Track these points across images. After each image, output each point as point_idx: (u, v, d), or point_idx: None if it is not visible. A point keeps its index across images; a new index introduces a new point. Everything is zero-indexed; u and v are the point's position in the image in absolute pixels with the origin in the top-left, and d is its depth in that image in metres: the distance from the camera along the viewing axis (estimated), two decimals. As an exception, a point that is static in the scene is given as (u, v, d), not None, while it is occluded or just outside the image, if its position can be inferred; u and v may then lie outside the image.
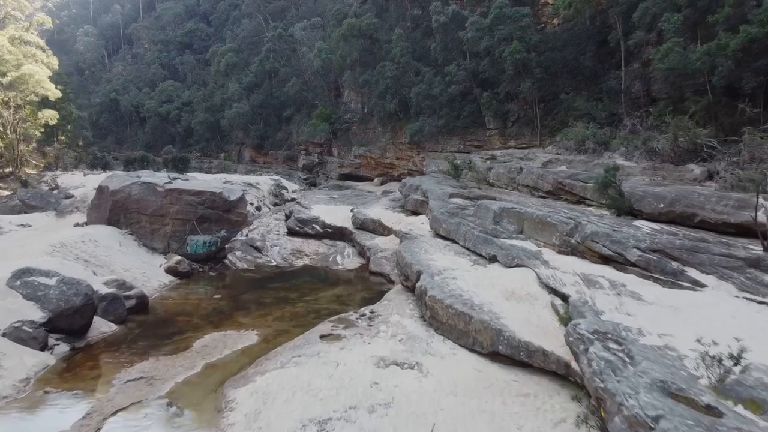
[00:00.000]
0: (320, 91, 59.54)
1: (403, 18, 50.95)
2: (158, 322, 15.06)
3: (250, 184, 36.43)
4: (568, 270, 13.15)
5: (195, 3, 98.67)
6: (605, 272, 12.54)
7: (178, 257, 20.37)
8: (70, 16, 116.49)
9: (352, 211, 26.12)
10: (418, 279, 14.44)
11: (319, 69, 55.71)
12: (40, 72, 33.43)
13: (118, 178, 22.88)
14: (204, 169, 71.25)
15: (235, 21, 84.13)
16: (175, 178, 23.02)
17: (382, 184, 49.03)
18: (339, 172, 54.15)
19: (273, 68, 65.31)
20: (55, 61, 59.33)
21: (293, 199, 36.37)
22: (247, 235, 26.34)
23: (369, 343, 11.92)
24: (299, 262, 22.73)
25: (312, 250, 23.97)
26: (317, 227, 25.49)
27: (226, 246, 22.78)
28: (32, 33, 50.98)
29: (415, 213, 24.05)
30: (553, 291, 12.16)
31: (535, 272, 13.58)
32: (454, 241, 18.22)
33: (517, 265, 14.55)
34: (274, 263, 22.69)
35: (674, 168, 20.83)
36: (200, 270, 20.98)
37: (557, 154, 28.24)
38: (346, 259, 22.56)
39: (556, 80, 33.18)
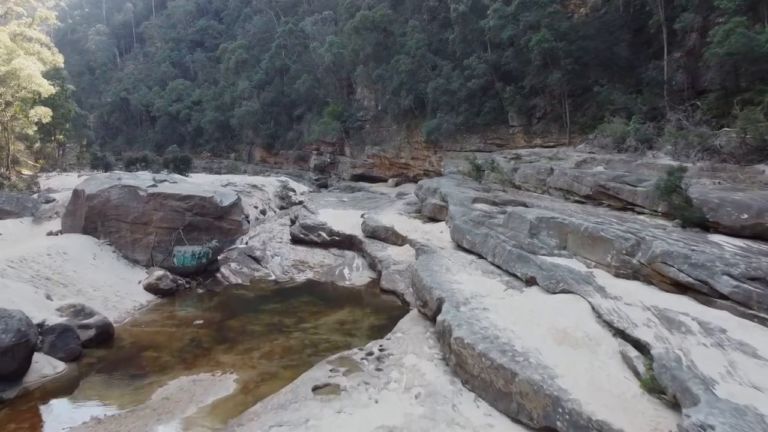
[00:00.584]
0: (332, 89, 56.88)
1: (419, 10, 48.00)
2: (120, 360, 12.21)
3: (254, 186, 33.81)
4: (634, 301, 10.13)
5: (206, 0, 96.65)
6: (687, 307, 9.49)
7: (161, 272, 17.43)
8: (83, 16, 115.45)
9: (362, 216, 23.25)
10: (439, 310, 11.50)
11: (330, 64, 53.01)
12: (32, 66, 31.18)
13: (96, 181, 20.23)
14: (213, 170, 69.19)
15: (247, 18, 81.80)
16: (162, 181, 20.29)
17: (396, 185, 46.19)
18: (351, 173, 51.41)
19: (284, 65, 62.81)
20: (60, 59, 57.54)
21: (301, 203, 33.63)
22: (246, 243, 23.66)
23: (376, 401, 9.03)
24: (301, 276, 19.83)
25: (317, 261, 21.15)
26: (324, 235, 22.69)
27: (219, 257, 20.04)
28: (35, 29, 48.80)
29: (433, 219, 21.08)
30: (621, 333, 9.14)
31: (589, 302, 10.58)
32: (480, 256, 15.28)
33: (563, 291, 11.56)
34: (273, 277, 19.80)
35: (739, 169, 17.61)
36: (186, 286, 18.03)
37: (591, 153, 25.15)
38: (355, 273, 19.68)
39: (587, 72, 29.98)
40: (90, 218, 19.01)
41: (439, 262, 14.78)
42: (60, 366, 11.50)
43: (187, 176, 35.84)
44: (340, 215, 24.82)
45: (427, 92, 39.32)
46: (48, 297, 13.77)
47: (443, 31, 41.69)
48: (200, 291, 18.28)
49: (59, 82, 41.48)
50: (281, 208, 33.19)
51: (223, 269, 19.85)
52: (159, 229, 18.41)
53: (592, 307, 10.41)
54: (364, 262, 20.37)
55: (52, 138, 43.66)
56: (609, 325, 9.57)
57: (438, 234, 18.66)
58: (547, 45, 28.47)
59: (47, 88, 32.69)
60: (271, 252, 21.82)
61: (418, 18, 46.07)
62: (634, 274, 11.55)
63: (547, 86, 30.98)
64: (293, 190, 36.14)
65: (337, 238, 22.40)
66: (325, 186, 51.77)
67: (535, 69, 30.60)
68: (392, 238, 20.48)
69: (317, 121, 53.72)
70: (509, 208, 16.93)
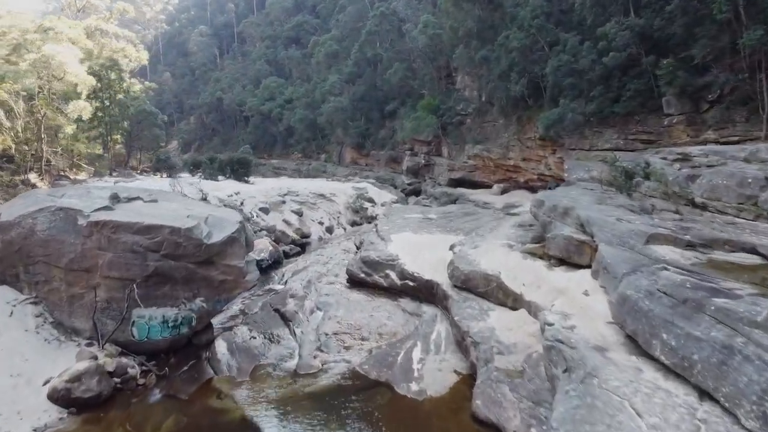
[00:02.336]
0: (428, 79, 49.34)
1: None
2: None
3: (321, 196, 27.28)
4: None
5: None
6: None
7: (83, 365, 10.27)
8: (189, 18, 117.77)
9: (452, 249, 15.48)
10: None
11: (425, 49, 45.43)
12: (65, 53, 27.01)
13: (23, 201, 13.43)
14: (302, 172, 64.55)
15: (342, 9, 76.59)
16: (131, 199, 13.20)
17: (502, 193, 37.77)
18: (448, 177, 43.50)
19: (375, 55, 56.27)
20: (144, 56, 55.36)
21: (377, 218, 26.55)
22: (286, 282, 16.89)
23: None
24: (341, 362, 12.04)
25: (375, 327, 13.31)
26: (393, 277, 15.28)
27: (212, 323, 13.24)
28: (113, 23, 46.14)
29: (566, 262, 12.84)
30: None
31: None
32: (709, 396, 6.88)
33: None
34: (294, 362, 12.10)
35: None
36: (139, 384, 10.97)
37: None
38: (430, 361, 11.51)
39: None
40: (6, 260, 12.55)
41: (605, 400, 6.68)
42: None
43: (247, 181, 30.16)
44: (420, 243, 17.19)
45: (544, 74, 30.62)
46: None
47: (566, -3, 32.69)
48: (156, 396, 10.78)
49: (116, 72, 37.84)
50: (353, 224, 26.31)
51: (218, 344, 12.53)
52: (107, 279, 11.66)
53: None
54: (449, 333, 12.46)
55: (109, 138, 40.07)
56: None
57: (580, 299, 10.36)
58: (737, -10, 19.00)
59: (85, 79, 28.42)
60: (313, 302, 14.65)
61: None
62: None
63: (726, 56, 21.39)
64: (371, 201, 29.14)
65: (411, 283, 14.81)
66: (417, 193, 44.39)
67: (715, 28, 21.04)
68: (498, 294, 12.48)
69: (410, 117, 46.40)
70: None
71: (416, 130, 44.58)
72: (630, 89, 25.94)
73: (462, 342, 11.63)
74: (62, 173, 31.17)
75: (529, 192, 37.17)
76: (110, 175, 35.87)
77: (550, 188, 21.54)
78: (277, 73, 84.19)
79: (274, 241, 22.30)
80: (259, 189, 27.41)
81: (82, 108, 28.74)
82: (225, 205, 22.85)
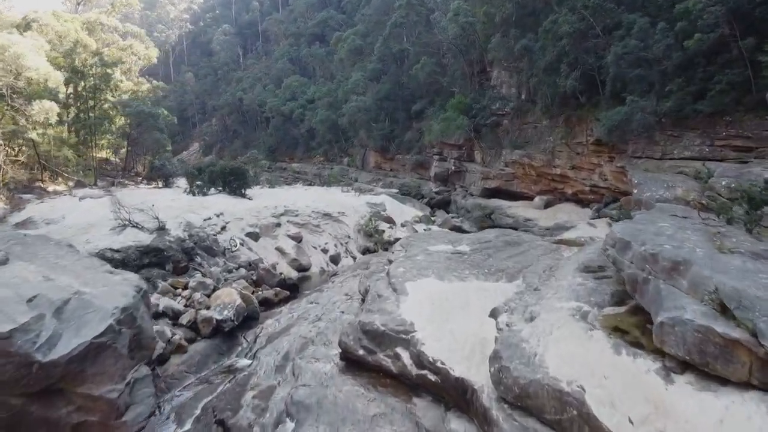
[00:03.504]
0: (459, 75, 43.94)
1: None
2: None
3: (327, 216, 22.34)
4: None
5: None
6: None
7: None
8: (214, 17, 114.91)
9: (495, 317, 10.05)
10: None
11: (456, 40, 40.08)
12: (22, 43, 22.79)
13: None
14: (323, 177, 59.75)
15: (368, 2, 71.65)
16: None
17: (546, 206, 32.27)
18: (482, 186, 38.05)
19: (401, 50, 51.15)
20: (154, 53, 51.63)
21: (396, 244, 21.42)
22: (255, 356, 11.95)
23: None
24: None
25: None
26: (406, 360, 9.94)
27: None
28: (114, 17, 42.24)
29: (693, 366, 7.46)
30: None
31: None
32: None
33: None
34: None
35: None
36: None
37: None
38: None
39: None
40: None
41: None
42: None
43: (244, 195, 25.44)
44: (448, 298, 11.86)
45: (602, 65, 25.04)
46: None
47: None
48: None
49: (100, 69, 33.51)
50: (365, 251, 21.29)
51: None
52: None
53: None
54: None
55: (92, 143, 35.49)
56: None
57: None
58: None
59: (50, 75, 24.09)
60: (284, 402, 9.43)
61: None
62: None
63: None
64: (389, 221, 23.97)
65: (432, 376, 9.45)
66: (446, 204, 39.09)
67: None
68: (577, 426, 7.22)
69: (439, 118, 41.07)
70: None
71: (446, 132, 39.23)
72: (721, 82, 20.18)
73: None
74: (36, 184, 27.07)
75: (577, 206, 31.49)
76: (95, 184, 31.73)
77: (620, 217, 16.08)
78: (300, 72, 79.97)
79: (254, 282, 17.39)
80: (252, 207, 22.56)
81: (48, 109, 24.47)
82: (189, 236, 18.06)
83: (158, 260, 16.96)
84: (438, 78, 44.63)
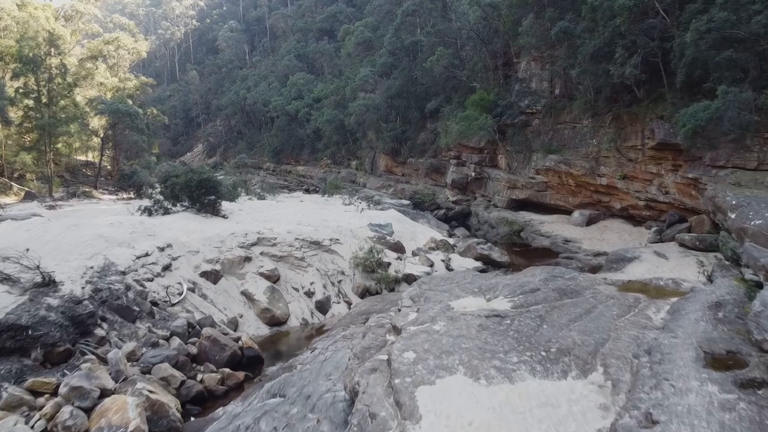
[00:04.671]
0: (480, 69, 38.37)
1: None
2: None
3: (316, 244, 16.98)
4: None
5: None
6: None
7: None
8: (221, 14, 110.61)
9: None
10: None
11: (477, 26, 34.56)
12: None
13: None
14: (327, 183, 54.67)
15: (379, -5, 66.41)
16: None
17: (588, 223, 26.73)
18: (508, 197, 32.51)
19: (414, 42, 45.66)
20: (144, 47, 46.78)
21: (407, 280, 16.07)
22: None
23: None
24: None
25: None
26: None
27: None
28: (91, 3, 37.33)
29: None
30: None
31: None
32: None
33: None
34: None
35: None
36: None
37: None
38: None
39: None
40: None
41: None
42: None
43: (218, 214, 20.33)
44: (488, 427, 6.82)
45: (670, 48, 19.41)
46: None
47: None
48: None
49: (55, 59, 28.47)
50: (365, 293, 15.93)
51: None
52: None
53: None
54: None
55: (47, 149, 29.78)
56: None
57: None
58: None
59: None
60: None
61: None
62: None
63: None
64: (398, 249, 18.58)
65: None
66: (464, 217, 33.67)
67: None
68: None
69: (457, 117, 35.52)
70: None
71: (465, 133, 33.64)
72: None
73: None
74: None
75: (627, 223, 25.86)
76: (50, 195, 26.78)
77: (731, 254, 10.63)
78: (307, 69, 74.91)
79: (193, 359, 11.72)
80: (217, 234, 17.15)
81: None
82: (94, 292, 12.50)
83: (17, 344, 10.90)
84: (456, 72, 39.10)
